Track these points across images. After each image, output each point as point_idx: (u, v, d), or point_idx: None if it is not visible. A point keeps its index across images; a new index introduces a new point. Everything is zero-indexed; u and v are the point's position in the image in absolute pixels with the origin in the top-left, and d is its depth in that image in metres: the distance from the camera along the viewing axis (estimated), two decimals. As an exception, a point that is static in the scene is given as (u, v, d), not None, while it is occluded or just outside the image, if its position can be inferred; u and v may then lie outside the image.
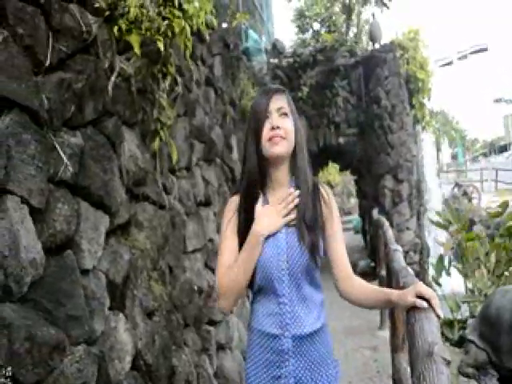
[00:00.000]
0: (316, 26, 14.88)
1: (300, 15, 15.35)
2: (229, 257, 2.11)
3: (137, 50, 3.15)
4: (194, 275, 4.18)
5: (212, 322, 4.51)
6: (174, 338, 3.59)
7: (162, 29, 3.37)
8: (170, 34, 3.47)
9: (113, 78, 2.97)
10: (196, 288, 4.13)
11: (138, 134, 3.40)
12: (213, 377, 4.35)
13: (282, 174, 2.15)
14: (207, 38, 4.71)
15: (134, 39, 3.14)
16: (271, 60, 10.88)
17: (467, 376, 5.64)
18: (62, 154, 2.39)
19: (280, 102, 2.12)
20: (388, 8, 14.38)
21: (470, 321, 6.63)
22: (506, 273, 8.04)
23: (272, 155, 2.08)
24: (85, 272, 2.56)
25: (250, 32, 7.77)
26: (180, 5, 3.59)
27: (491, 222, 11.69)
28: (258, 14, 10.09)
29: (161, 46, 3.33)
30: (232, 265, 2.08)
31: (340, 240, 2.18)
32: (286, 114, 2.11)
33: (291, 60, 11.67)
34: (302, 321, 2.06)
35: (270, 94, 2.13)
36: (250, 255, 2.06)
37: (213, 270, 4.65)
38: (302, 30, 14.82)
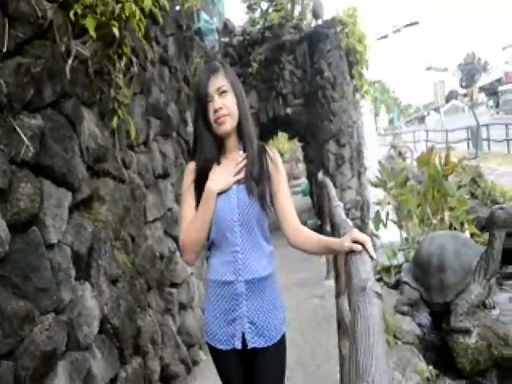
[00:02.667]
0: (264, 5, 14.64)
1: (249, -5, 15.10)
2: (190, 219, 2.16)
3: (92, 33, 3.03)
4: (155, 243, 4.13)
5: (174, 285, 4.49)
6: (139, 301, 3.56)
7: (117, 12, 3.26)
8: (123, 16, 3.36)
9: (70, 61, 2.86)
10: (158, 254, 4.10)
11: (97, 113, 3.30)
12: (176, 334, 4.35)
13: (231, 141, 2.21)
14: (160, 19, 4.58)
15: (90, 23, 3.03)
16: (222, 39, 10.71)
17: (402, 313, 5.88)
18: (22, 135, 2.31)
19: (217, 82, 2.13)
20: None
21: (405, 265, 6.89)
22: (435, 221, 8.33)
23: (221, 134, 2.15)
24: (50, 246, 2.51)
25: (202, 13, 7.61)
26: (132, -12, 3.47)
27: (423, 178, 11.98)
28: (208, -5, 9.88)
29: (116, 31, 3.23)
30: (191, 222, 2.14)
31: (286, 194, 2.22)
32: (225, 92, 2.13)
33: (241, 38, 11.54)
34: (252, 267, 2.12)
35: (207, 76, 2.15)
36: (205, 210, 2.12)
37: (173, 237, 4.62)
38: (251, 9, 14.58)
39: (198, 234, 2.14)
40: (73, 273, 2.68)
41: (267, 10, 13.96)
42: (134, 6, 3.38)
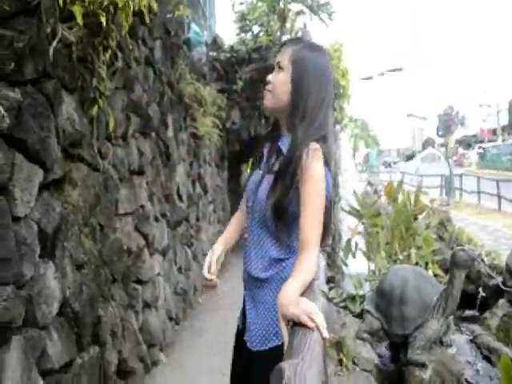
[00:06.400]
0: (256, 28, 14.91)
1: (242, 18, 15.35)
2: None
3: (79, 20, 3.05)
4: (124, 236, 4.12)
5: (139, 281, 4.46)
6: (102, 291, 3.53)
7: (105, 3, 3.29)
8: (112, 9, 3.39)
9: (54, 43, 2.87)
10: (125, 248, 4.08)
11: (77, 99, 3.31)
12: (138, 331, 4.32)
13: (283, 128, 2.01)
14: (147, 19, 4.61)
15: (77, 10, 3.05)
16: (210, 53, 10.84)
17: (362, 339, 5.94)
18: (-1, 105, 2.31)
19: (280, 56, 1.99)
20: (327, 26, 14.74)
21: (368, 294, 6.98)
22: (401, 257, 8.51)
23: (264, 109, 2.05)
24: (16, 219, 2.49)
25: (192, 25, 7.71)
26: (125, -17, 3.50)
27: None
28: (201, 9, 10.01)
29: (103, 20, 3.25)
30: None
31: (302, 205, 1.76)
32: (280, 68, 1.97)
33: (228, 55, 11.70)
34: (251, 261, 1.96)
35: (280, 47, 2.06)
36: None
37: (143, 234, 4.61)
38: (242, 30, 14.85)
39: None
40: (37, 250, 2.65)
41: (258, 33, 14.24)
42: (125, -1, 3.41)
